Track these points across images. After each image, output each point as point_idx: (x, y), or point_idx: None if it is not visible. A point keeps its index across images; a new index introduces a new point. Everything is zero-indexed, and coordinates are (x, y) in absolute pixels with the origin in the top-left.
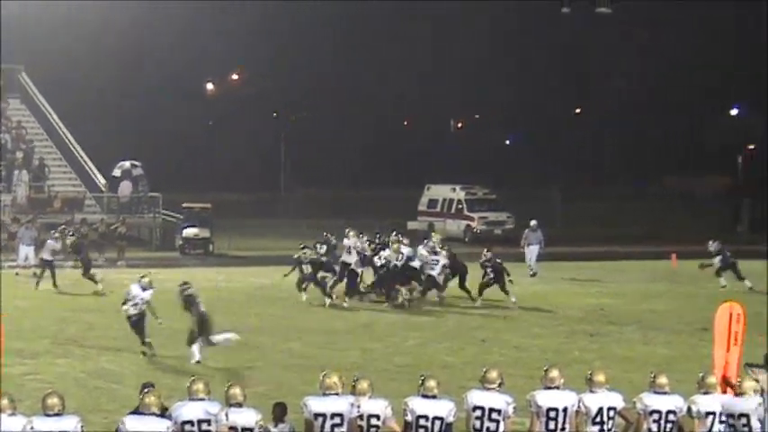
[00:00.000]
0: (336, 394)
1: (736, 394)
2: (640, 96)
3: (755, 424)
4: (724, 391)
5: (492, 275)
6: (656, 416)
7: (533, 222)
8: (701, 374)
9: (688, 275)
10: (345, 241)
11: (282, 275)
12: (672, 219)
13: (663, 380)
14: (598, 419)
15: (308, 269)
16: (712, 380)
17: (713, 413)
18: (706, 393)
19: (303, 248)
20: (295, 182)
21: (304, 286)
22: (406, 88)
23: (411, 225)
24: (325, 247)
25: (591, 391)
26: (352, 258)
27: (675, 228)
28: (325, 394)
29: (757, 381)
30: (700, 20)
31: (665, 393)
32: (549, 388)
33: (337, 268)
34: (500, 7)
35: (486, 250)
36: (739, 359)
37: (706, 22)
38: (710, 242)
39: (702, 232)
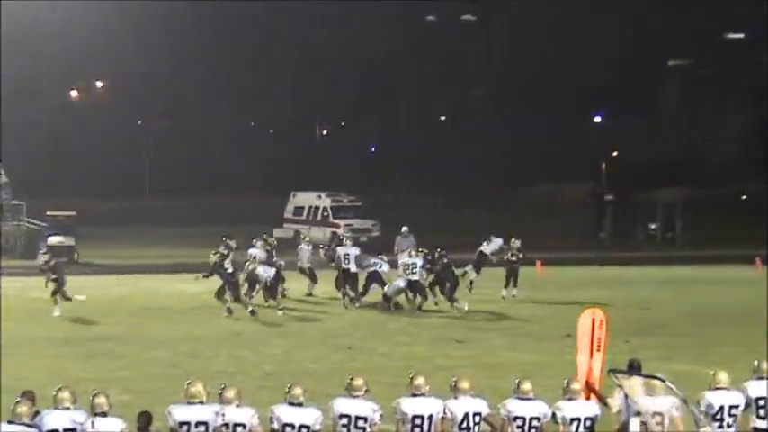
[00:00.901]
0: (201, 403)
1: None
2: (504, 103)
3: (667, 422)
4: (587, 398)
5: (443, 276)
6: (519, 422)
7: (405, 228)
8: (565, 381)
9: (552, 282)
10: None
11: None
12: (537, 226)
13: (527, 386)
14: (464, 425)
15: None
16: (576, 386)
17: (578, 419)
18: (570, 399)
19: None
20: (160, 190)
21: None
22: (272, 95)
23: (277, 233)
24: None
25: (455, 398)
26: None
27: (540, 235)
28: (189, 403)
29: (621, 387)
30: (565, 25)
31: (529, 399)
32: (415, 395)
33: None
34: (367, 13)
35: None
36: (602, 365)
37: (570, 27)
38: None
39: (566, 239)
